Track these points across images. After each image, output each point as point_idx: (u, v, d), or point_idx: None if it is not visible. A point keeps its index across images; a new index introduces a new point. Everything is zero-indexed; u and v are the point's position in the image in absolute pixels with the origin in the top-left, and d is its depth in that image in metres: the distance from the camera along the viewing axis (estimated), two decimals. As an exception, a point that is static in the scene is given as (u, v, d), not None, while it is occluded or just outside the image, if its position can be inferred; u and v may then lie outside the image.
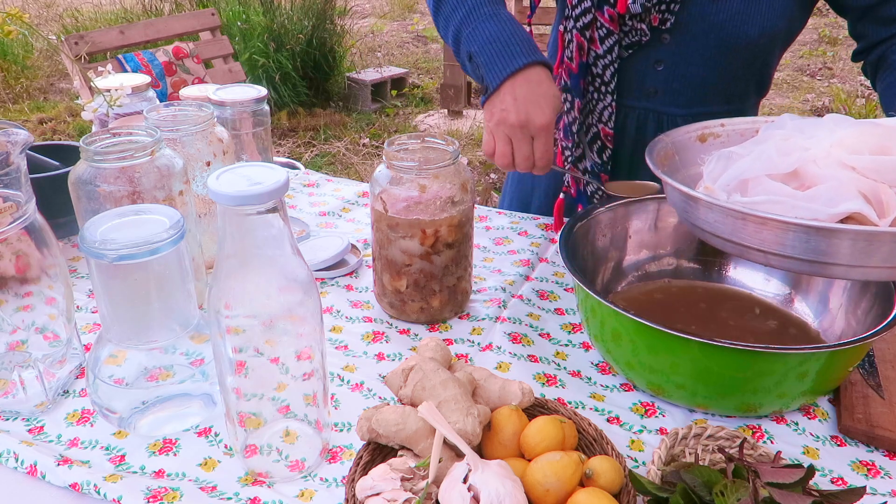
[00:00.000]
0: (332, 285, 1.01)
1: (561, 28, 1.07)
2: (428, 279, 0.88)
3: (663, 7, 0.98)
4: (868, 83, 1.07)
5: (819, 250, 0.66)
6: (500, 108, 0.89)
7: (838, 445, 0.73)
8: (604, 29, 1.02)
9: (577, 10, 1.02)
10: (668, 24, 0.99)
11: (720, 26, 0.99)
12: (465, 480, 0.56)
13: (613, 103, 1.07)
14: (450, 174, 0.85)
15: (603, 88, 1.07)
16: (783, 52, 1.09)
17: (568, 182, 1.15)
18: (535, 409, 0.69)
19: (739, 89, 1.09)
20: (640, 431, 0.75)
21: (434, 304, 0.90)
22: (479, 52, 0.91)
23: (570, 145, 1.14)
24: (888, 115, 0.93)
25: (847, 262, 0.66)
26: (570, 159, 1.14)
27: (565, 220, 1.17)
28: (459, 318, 0.94)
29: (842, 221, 0.66)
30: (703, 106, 1.08)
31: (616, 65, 1.04)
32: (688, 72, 1.05)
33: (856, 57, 1.05)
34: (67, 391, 0.79)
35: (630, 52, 1.04)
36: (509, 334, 0.89)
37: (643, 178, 1.07)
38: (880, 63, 1.00)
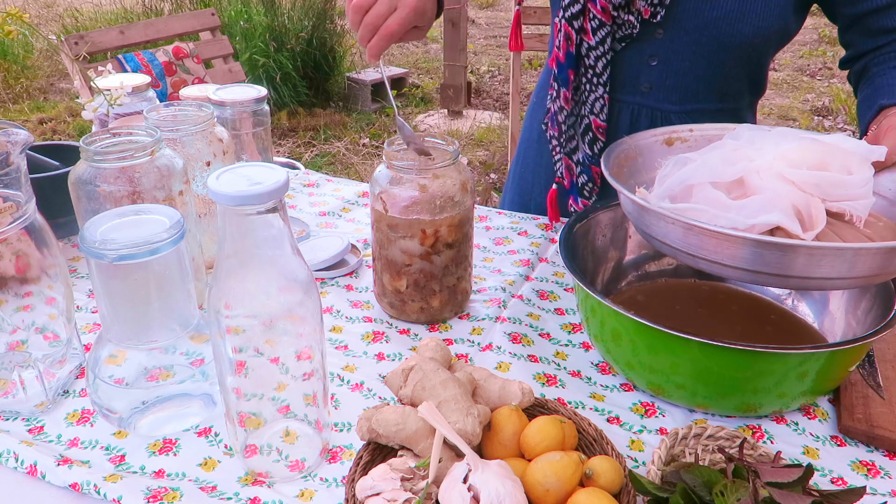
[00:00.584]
0: (332, 285, 1.01)
1: (556, 20, 1.07)
2: (428, 279, 0.88)
3: (656, 0, 0.98)
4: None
5: (737, 257, 0.67)
6: None
7: (838, 445, 0.73)
8: (596, 20, 1.02)
9: (567, 0, 1.03)
10: (659, 17, 0.99)
11: (714, 24, 0.99)
12: (465, 480, 0.56)
13: (606, 95, 1.07)
14: (450, 174, 0.85)
15: (595, 80, 1.07)
16: (776, 52, 1.09)
17: (561, 173, 1.16)
18: (535, 409, 0.69)
19: (734, 88, 1.09)
20: (640, 431, 0.75)
21: (434, 304, 0.90)
22: None
23: (556, 134, 1.14)
24: (861, 125, 0.93)
25: (763, 269, 0.67)
26: (559, 150, 1.15)
27: (558, 211, 1.17)
28: (459, 318, 0.94)
29: (770, 232, 0.68)
30: (697, 103, 1.08)
31: (608, 57, 1.04)
32: (681, 68, 1.05)
33: (843, 65, 1.05)
34: (67, 391, 0.79)
35: (623, 44, 1.04)
36: (509, 334, 0.89)
37: None
38: (863, 73, 1.00)
